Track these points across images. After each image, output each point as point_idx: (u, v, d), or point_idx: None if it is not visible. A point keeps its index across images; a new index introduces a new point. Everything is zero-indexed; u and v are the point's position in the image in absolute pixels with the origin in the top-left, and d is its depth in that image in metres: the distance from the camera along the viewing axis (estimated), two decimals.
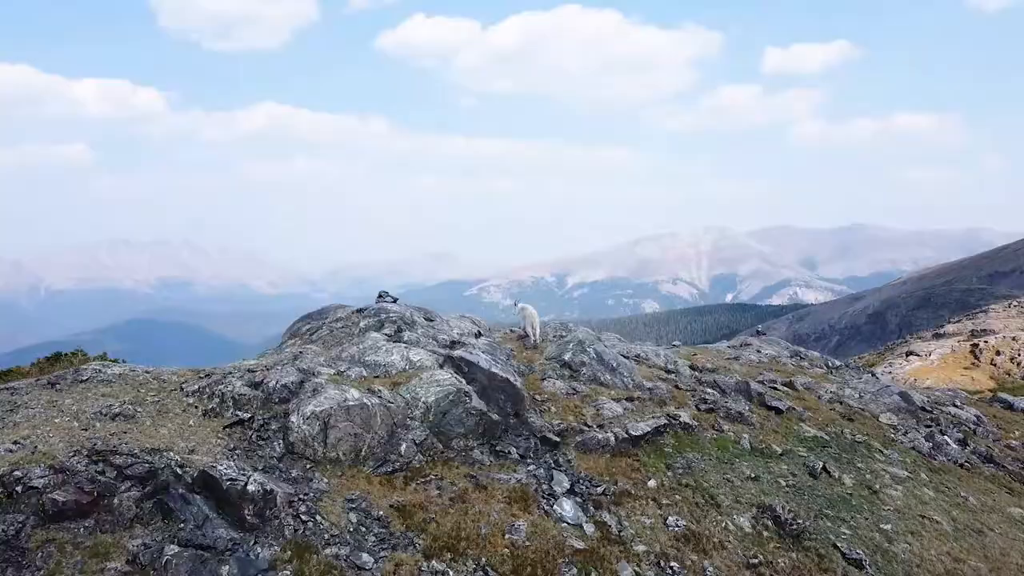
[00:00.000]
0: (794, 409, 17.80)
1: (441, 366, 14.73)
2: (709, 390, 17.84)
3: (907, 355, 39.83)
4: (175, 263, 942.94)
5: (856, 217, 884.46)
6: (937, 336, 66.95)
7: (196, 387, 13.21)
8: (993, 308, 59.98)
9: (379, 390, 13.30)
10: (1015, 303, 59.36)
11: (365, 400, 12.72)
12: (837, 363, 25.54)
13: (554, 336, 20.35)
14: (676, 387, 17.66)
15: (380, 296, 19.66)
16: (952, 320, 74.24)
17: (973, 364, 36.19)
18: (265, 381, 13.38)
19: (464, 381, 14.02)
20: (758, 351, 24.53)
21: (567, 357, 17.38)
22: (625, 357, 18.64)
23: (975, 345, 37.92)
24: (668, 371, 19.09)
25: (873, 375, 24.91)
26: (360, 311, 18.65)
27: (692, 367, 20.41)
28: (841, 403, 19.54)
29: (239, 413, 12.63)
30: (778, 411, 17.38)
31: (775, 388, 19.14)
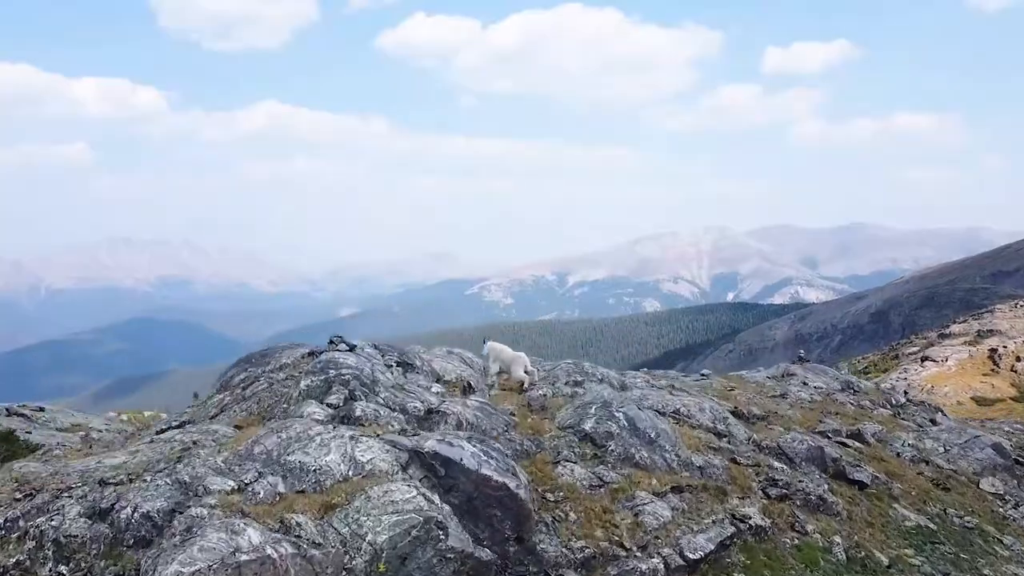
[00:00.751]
0: (879, 479, 14.47)
1: (405, 468, 9.75)
2: (775, 462, 13.87)
3: (923, 360, 39.39)
4: (175, 262, 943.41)
5: (856, 217, 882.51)
6: (942, 336, 66.79)
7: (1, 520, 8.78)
8: (999, 308, 59.74)
9: (298, 524, 8.41)
10: (1021, 303, 59.24)
11: (270, 551, 7.76)
12: (900, 399, 22.62)
13: (567, 384, 15.93)
14: (733, 460, 13.56)
15: (331, 343, 13.97)
16: (957, 320, 74.10)
17: (992, 370, 35.64)
18: (116, 509, 8.56)
19: (438, 497, 9.41)
20: (804, 383, 21.38)
21: (588, 427, 12.66)
22: (661, 413, 14.45)
23: (993, 350, 37.51)
24: (718, 432, 14.77)
25: (941, 412, 22.40)
26: (311, 355, 14.39)
27: (737, 414, 16.43)
28: (927, 462, 16.33)
29: (61, 571, 8.00)
30: (862, 486, 13.99)
31: (844, 444, 16.02)
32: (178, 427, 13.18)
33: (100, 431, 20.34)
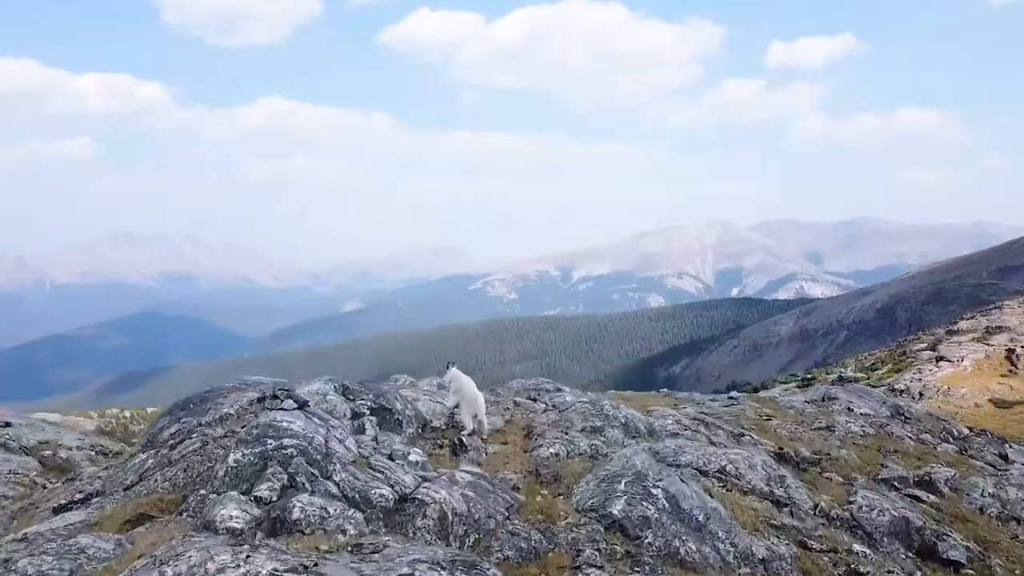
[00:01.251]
0: (972, 551, 11.52)
1: None
2: (854, 543, 10.88)
3: (937, 360, 38.84)
4: (178, 258, 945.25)
5: (861, 212, 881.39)
6: (950, 332, 66.36)
7: None
8: (1007, 304, 59.35)
9: None
10: None
11: None
12: (963, 430, 19.91)
13: (584, 433, 12.68)
14: (803, 545, 10.46)
15: (275, 397, 10.39)
16: (965, 316, 73.71)
17: (1010, 371, 35.03)
18: None
19: None
20: (849, 409, 18.99)
21: (617, 510, 9.51)
22: (703, 473, 11.46)
23: (1011, 351, 36.99)
24: (777, 500, 11.54)
25: (1008, 443, 19.84)
26: (260, 401, 11.72)
27: (784, 457, 13.59)
28: (1018, 520, 13.70)
29: None
30: (958, 566, 11.04)
31: (916, 498, 13.27)
32: (82, 501, 10.46)
33: (70, 449, 18.91)
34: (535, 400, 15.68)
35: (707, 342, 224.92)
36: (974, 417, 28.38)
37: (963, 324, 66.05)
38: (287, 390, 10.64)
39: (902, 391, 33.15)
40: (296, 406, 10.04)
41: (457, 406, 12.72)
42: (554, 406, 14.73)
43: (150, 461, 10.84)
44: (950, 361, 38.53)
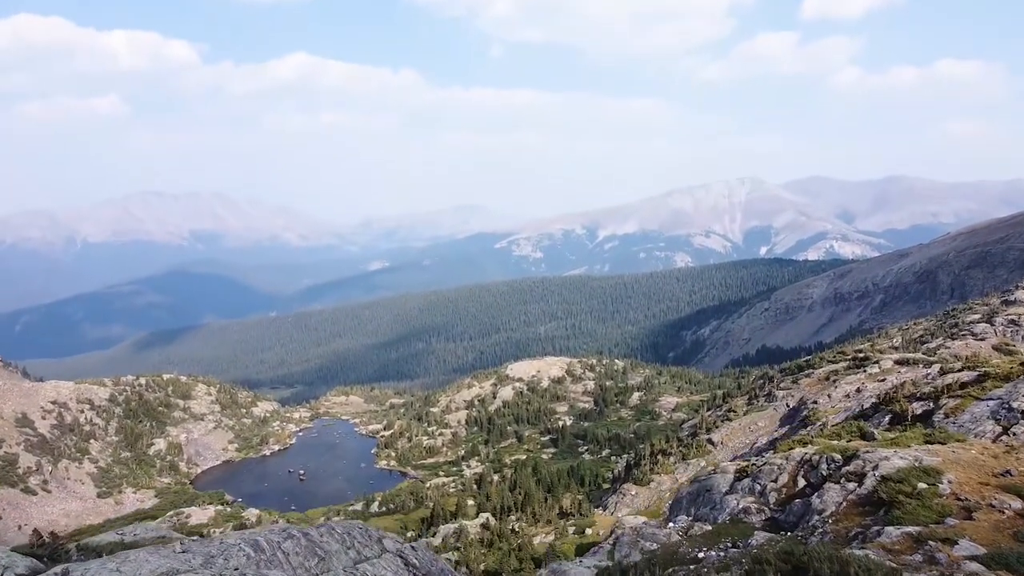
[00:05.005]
0: None
1: None
2: None
3: None
4: (207, 215, 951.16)
5: (894, 171, 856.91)
6: (1007, 303, 62.98)
7: None
8: None
9: None
10: None
11: None
12: None
13: None
14: None
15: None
16: (1021, 284, 70.10)
17: None
18: None
19: None
20: None
21: None
22: None
23: None
24: None
25: None
26: None
27: None
28: None
29: None
30: None
31: None
32: None
33: None
34: None
35: (736, 304, 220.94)
36: None
37: (1021, 294, 62.56)
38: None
39: None
40: None
41: None
42: None
43: None
44: None
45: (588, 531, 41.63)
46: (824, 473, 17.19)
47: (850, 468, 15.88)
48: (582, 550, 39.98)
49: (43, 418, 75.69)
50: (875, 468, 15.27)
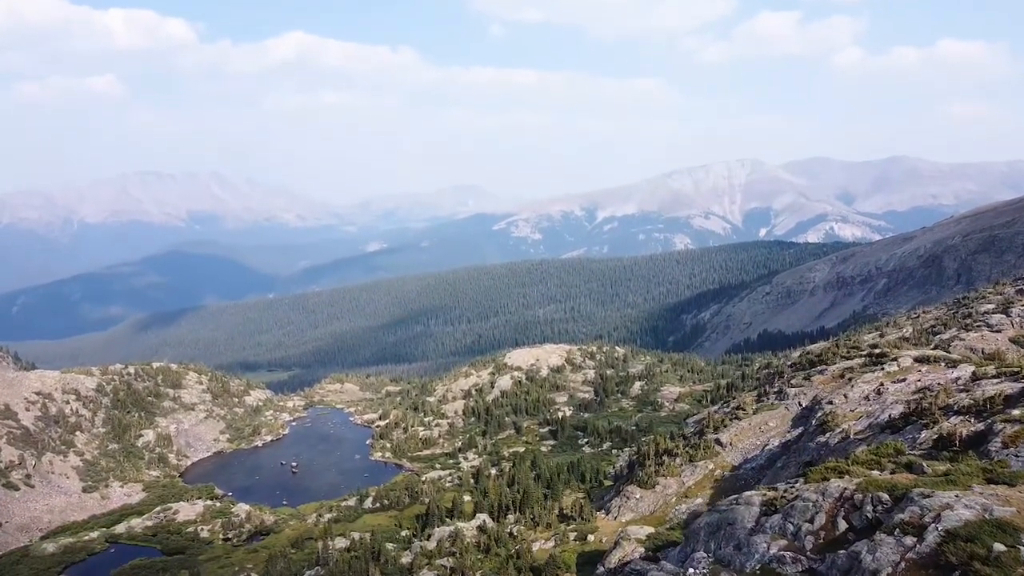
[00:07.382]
0: None
1: None
2: None
3: None
4: (205, 196, 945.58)
5: (895, 151, 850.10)
6: (1022, 292, 60.64)
7: None
8: None
9: None
10: None
11: None
12: None
13: None
14: None
15: None
16: None
17: None
18: None
19: None
20: None
21: None
22: None
23: None
24: None
25: None
26: None
27: None
28: None
29: None
30: None
31: None
32: None
33: None
34: None
35: (737, 288, 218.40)
36: None
37: None
38: None
39: None
40: None
41: None
42: None
43: None
44: None
45: (590, 537, 39.59)
46: (869, 516, 14.91)
47: (904, 517, 13.59)
48: (584, 559, 37.94)
49: (27, 410, 73.48)
50: (936, 519, 12.99)
